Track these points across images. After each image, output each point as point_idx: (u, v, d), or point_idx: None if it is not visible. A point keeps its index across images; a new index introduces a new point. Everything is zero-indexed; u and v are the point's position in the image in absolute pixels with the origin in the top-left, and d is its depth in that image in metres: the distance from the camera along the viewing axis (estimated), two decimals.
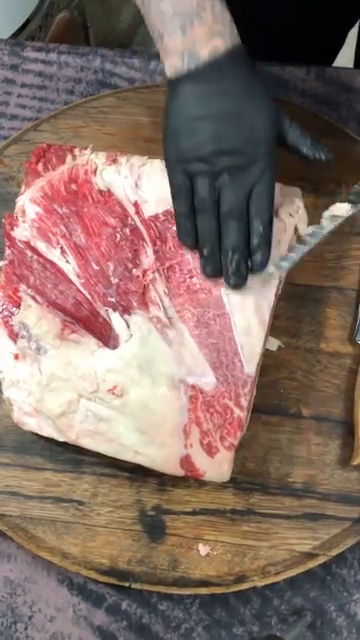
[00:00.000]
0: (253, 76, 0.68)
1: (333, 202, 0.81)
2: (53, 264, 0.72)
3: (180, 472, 0.68)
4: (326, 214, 0.69)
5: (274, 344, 0.76)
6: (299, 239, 0.70)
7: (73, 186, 0.75)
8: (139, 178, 0.74)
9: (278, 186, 0.74)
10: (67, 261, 0.72)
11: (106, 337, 0.70)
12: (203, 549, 0.70)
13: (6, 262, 0.73)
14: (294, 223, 0.73)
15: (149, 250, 0.72)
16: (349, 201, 0.69)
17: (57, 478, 0.73)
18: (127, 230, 0.73)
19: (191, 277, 0.71)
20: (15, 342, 0.71)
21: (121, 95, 0.89)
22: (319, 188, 0.82)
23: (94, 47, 0.96)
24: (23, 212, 0.74)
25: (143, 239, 0.72)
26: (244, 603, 0.70)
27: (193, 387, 0.69)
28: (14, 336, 0.71)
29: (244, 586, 0.69)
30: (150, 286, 0.71)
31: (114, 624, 0.70)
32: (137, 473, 0.72)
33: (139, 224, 0.73)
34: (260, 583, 0.69)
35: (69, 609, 0.71)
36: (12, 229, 0.74)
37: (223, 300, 0.70)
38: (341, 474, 0.72)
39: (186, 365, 0.69)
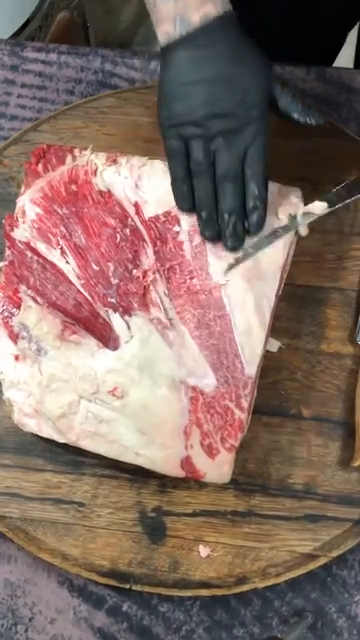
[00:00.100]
0: (244, 41, 0.69)
1: None
2: (53, 265, 0.72)
3: (181, 473, 0.68)
4: (301, 210, 0.69)
5: (275, 345, 0.76)
6: (271, 232, 0.70)
7: (73, 187, 0.74)
8: (139, 179, 0.74)
9: (278, 186, 0.74)
10: (67, 262, 0.72)
11: (106, 338, 0.70)
12: (204, 551, 0.70)
13: (6, 263, 0.73)
14: None
15: (149, 251, 0.72)
16: (326, 201, 0.69)
17: (57, 479, 0.73)
18: (127, 231, 0.72)
19: (191, 278, 0.70)
20: (15, 343, 0.71)
21: (121, 95, 0.89)
22: (319, 188, 0.82)
23: (94, 47, 0.96)
24: (23, 213, 0.74)
25: (143, 240, 0.72)
26: (245, 605, 0.70)
27: (194, 388, 0.68)
28: (14, 337, 0.71)
29: (245, 587, 0.69)
30: (150, 287, 0.70)
31: (115, 626, 0.70)
32: (137, 474, 0.72)
33: (139, 225, 0.73)
34: (261, 584, 0.69)
35: (69, 611, 0.71)
36: (12, 230, 0.74)
37: (223, 301, 0.70)
38: (342, 475, 0.72)
39: (187, 366, 0.69)
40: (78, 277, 0.72)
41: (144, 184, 0.74)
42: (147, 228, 0.72)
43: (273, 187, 0.74)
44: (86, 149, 0.77)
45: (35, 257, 0.73)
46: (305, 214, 0.69)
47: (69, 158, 0.77)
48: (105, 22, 1.77)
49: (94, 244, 0.72)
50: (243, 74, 0.68)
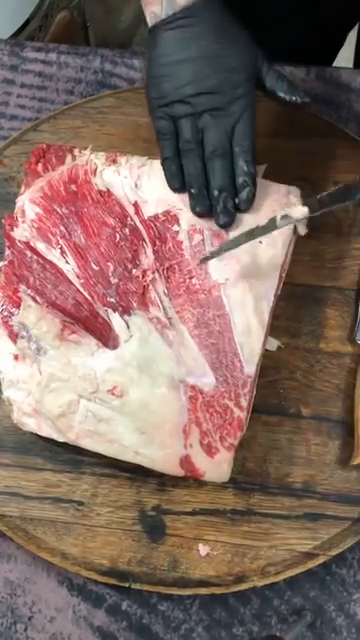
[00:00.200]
0: (230, 20, 0.71)
1: None
2: (53, 264, 0.73)
3: (180, 472, 0.68)
4: (281, 213, 0.69)
5: (274, 344, 0.76)
6: (248, 230, 0.70)
7: (73, 186, 0.75)
8: (139, 178, 0.74)
9: (277, 186, 0.74)
10: (67, 261, 0.72)
11: (106, 337, 0.70)
12: (203, 549, 0.70)
13: (6, 262, 0.73)
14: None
15: (149, 250, 0.72)
16: (308, 206, 0.70)
17: (57, 478, 0.73)
18: (127, 230, 0.73)
19: (191, 277, 0.71)
20: (15, 342, 0.71)
21: (121, 95, 0.89)
22: (319, 188, 0.82)
23: (94, 47, 0.96)
24: (23, 212, 0.75)
25: (143, 239, 0.72)
26: (244, 603, 0.70)
27: (193, 387, 0.68)
28: (14, 336, 0.71)
29: (244, 586, 0.69)
30: (150, 286, 0.71)
31: (114, 624, 0.70)
32: (137, 473, 0.72)
33: (139, 224, 0.73)
34: (260, 583, 0.69)
35: (69, 610, 0.71)
36: (12, 229, 0.74)
37: (223, 300, 0.70)
38: (341, 474, 0.72)
39: (186, 365, 0.69)
40: (77, 277, 0.72)
41: (143, 184, 0.74)
42: (146, 228, 0.73)
43: (273, 187, 0.74)
44: (86, 149, 0.77)
45: (35, 257, 0.73)
46: (284, 217, 0.69)
47: (69, 158, 0.77)
48: (105, 22, 1.77)
49: (93, 244, 0.73)
50: (228, 52, 0.70)
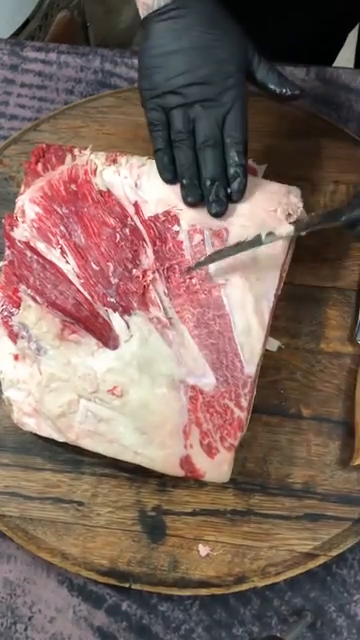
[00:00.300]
0: (220, 12, 0.72)
1: (332, 202, 0.82)
2: (53, 264, 0.72)
3: (180, 473, 0.68)
4: (266, 231, 0.70)
5: (274, 345, 0.76)
6: (235, 244, 0.70)
7: (73, 186, 0.75)
8: (139, 178, 0.74)
9: (277, 186, 0.74)
10: (67, 261, 0.72)
11: (106, 337, 0.70)
12: (203, 550, 0.70)
13: (6, 262, 0.73)
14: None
15: (149, 250, 0.72)
16: (295, 226, 0.70)
17: (57, 479, 0.73)
18: (127, 230, 0.73)
19: (191, 278, 0.70)
20: (15, 342, 0.71)
21: (121, 95, 0.89)
22: (319, 188, 0.82)
23: (94, 47, 0.96)
24: (23, 212, 0.74)
25: (143, 239, 0.72)
26: (244, 604, 0.70)
27: (193, 387, 0.68)
28: (14, 336, 0.71)
29: (244, 587, 0.69)
30: (150, 286, 0.70)
31: (114, 625, 0.70)
32: (137, 474, 0.72)
33: (139, 224, 0.73)
34: (260, 584, 0.69)
35: (69, 610, 0.71)
36: (12, 229, 0.74)
37: (223, 300, 0.70)
38: (341, 475, 0.72)
39: (186, 365, 0.69)
40: (78, 276, 0.72)
41: (144, 184, 0.74)
42: (147, 227, 0.72)
43: (273, 187, 0.74)
44: (86, 149, 0.77)
45: (35, 257, 0.73)
46: (269, 234, 0.70)
47: (69, 158, 0.77)
48: (105, 22, 1.78)
49: (94, 244, 0.72)
50: (219, 43, 0.71)
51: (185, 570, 0.70)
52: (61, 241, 0.73)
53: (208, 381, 0.69)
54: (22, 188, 0.77)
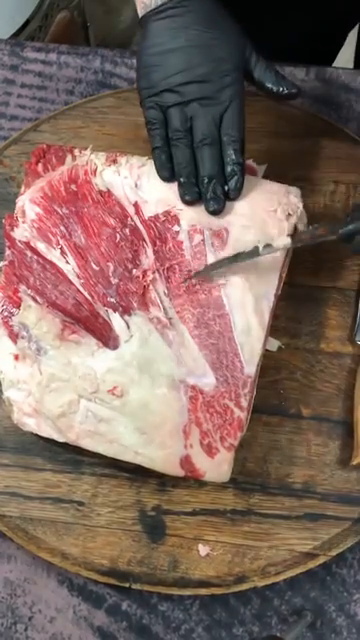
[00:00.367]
0: (218, 10, 0.72)
1: (332, 201, 0.82)
2: (53, 264, 0.72)
3: (180, 472, 0.68)
4: (263, 242, 0.70)
5: (274, 345, 0.76)
6: (233, 255, 0.70)
7: (73, 186, 0.75)
8: (139, 178, 0.74)
9: (277, 186, 0.74)
10: (67, 261, 0.72)
11: (106, 337, 0.70)
12: (203, 549, 0.70)
13: (6, 263, 0.73)
14: (293, 223, 0.73)
15: (149, 250, 0.72)
16: (292, 239, 0.71)
17: (57, 479, 0.73)
18: (127, 230, 0.73)
19: (191, 278, 0.70)
20: (15, 342, 0.71)
21: (121, 95, 0.89)
22: (319, 188, 0.83)
23: (94, 47, 0.96)
24: (23, 213, 0.74)
25: (143, 239, 0.72)
26: (244, 603, 0.70)
27: (193, 387, 0.68)
28: (14, 336, 0.71)
29: (244, 586, 0.69)
30: (150, 286, 0.71)
31: (114, 625, 0.70)
32: (137, 474, 0.72)
33: (139, 224, 0.73)
34: (260, 583, 0.69)
35: (69, 610, 0.71)
36: (12, 229, 0.74)
37: (223, 300, 0.70)
38: (341, 474, 0.72)
39: (186, 366, 0.69)
40: (78, 277, 0.72)
41: (144, 184, 0.74)
42: (147, 228, 0.72)
43: (273, 187, 0.74)
44: (86, 149, 0.77)
45: (35, 257, 0.73)
46: (267, 246, 0.70)
47: (69, 158, 0.77)
48: (105, 22, 1.78)
49: (94, 244, 0.72)
50: (217, 42, 0.71)
51: (185, 570, 0.70)
52: (61, 241, 0.73)
53: (208, 381, 0.69)
54: (22, 188, 0.77)
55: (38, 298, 0.71)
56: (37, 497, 0.73)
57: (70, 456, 0.73)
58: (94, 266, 0.72)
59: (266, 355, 0.74)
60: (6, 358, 0.71)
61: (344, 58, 1.15)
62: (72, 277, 0.72)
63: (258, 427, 0.73)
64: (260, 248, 0.70)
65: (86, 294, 0.71)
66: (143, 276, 0.71)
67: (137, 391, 0.68)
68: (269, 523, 0.71)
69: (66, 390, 0.69)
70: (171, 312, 0.70)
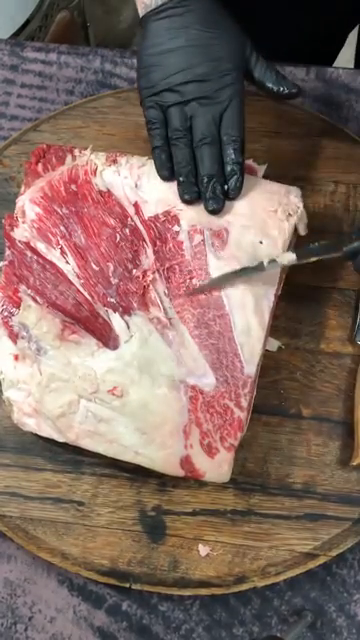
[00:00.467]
0: (218, 10, 0.73)
1: (332, 201, 0.82)
2: (53, 265, 0.72)
3: (180, 473, 0.68)
4: (268, 258, 0.70)
5: (274, 345, 0.76)
6: (238, 269, 0.70)
7: (73, 187, 0.75)
8: (139, 178, 0.74)
9: (277, 186, 0.74)
10: (67, 262, 0.72)
11: (106, 338, 0.70)
12: (203, 550, 0.70)
13: (6, 263, 0.73)
14: (293, 223, 0.73)
15: (149, 251, 0.72)
16: (297, 254, 0.71)
17: (57, 479, 0.73)
18: (127, 231, 0.73)
19: (191, 278, 0.70)
20: (15, 343, 0.71)
21: (121, 95, 0.89)
22: (319, 188, 0.83)
23: (94, 47, 0.96)
24: (23, 213, 0.74)
25: (143, 240, 0.72)
26: (244, 604, 0.70)
27: (193, 388, 0.68)
28: (14, 337, 0.71)
29: (244, 587, 0.69)
30: (150, 287, 0.71)
31: (114, 625, 0.70)
32: (137, 474, 0.72)
33: (139, 224, 0.73)
34: (260, 583, 0.69)
35: (69, 610, 0.71)
36: (12, 230, 0.74)
37: (223, 301, 0.70)
38: (341, 474, 0.72)
39: (186, 366, 0.69)
40: (78, 277, 0.72)
41: (144, 184, 0.74)
42: (147, 228, 0.72)
43: (273, 187, 0.74)
44: (86, 149, 0.77)
45: (35, 257, 0.73)
46: (271, 261, 0.70)
47: (69, 158, 0.77)
48: (105, 22, 1.78)
49: (94, 244, 0.72)
50: (217, 41, 0.71)
51: (185, 570, 0.70)
52: (61, 241, 0.73)
53: (208, 381, 0.69)
54: (22, 188, 0.77)
55: (38, 298, 0.71)
56: (37, 497, 0.73)
57: (70, 456, 0.73)
58: (94, 266, 0.72)
59: (266, 355, 0.74)
60: (6, 358, 0.71)
61: (344, 58, 1.15)
62: (72, 277, 0.72)
63: (258, 427, 0.73)
64: (265, 263, 0.70)
65: (86, 294, 0.71)
66: (143, 276, 0.71)
67: (137, 391, 0.68)
68: (269, 523, 0.71)
69: (66, 390, 0.69)
70: (171, 312, 0.70)
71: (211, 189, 0.71)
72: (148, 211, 0.73)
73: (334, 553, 0.69)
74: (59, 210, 0.74)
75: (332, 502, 0.71)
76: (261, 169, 0.79)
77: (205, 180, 0.71)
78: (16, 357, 0.71)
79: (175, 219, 0.72)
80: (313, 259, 0.71)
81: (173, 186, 0.73)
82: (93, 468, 0.73)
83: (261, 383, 0.73)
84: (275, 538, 0.70)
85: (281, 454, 0.73)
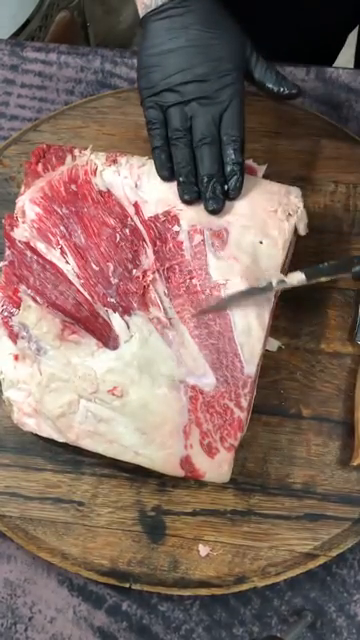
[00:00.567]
0: (219, 11, 0.73)
1: (332, 201, 0.82)
2: (53, 265, 0.72)
3: (180, 473, 0.68)
4: (277, 277, 0.70)
5: (274, 345, 0.76)
6: (247, 289, 0.70)
7: (73, 187, 0.75)
8: (139, 178, 0.74)
9: (278, 186, 0.74)
10: (67, 262, 0.72)
11: (106, 338, 0.70)
12: (203, 550, 0.70)
13: (6, 263, 0.73)
14: (293, 223, 0.73)
15: (149, 251, 0.72)
16: (305, 274, 0.71)
17: (57, 479, 0.73)
18: (127, 231, 0.73)
19: (191, 278, 0.70)
20: (15, 343, 0.71)
21: (121, 95, 0.89)
22: (319, 188, 0.82)
23: (94, 47, 0.96)
24: (23, 213, 0.74)
25: (143, 240, 0.72)
26: (244, 604, 0.70)
27: (193, 388, 0.68)
28: (14, 337, 0.71)
29: (244, 587, 0.69)
30: (150, 287, 0.70)
31: (114, 625, 0.70)
32: (137, 474, 0.72)
33: (139, 224, 0.73)
34: (260, 584, 0.69)
35: (69, 610, 0.71)
36: (12, 230, 0.74)
37: None
38: (341, 474, 0.72)
39: (186, 366, 0.69)
40: (78, 277, 0.72)
41: (144, 184, 0.74)
42: (147, 228, 0.72)
43: (273, 187, 0.74)
44: (86, 149, 0.77)
45: (35, 257, 0.73)
46: (280, 282, 0.70)
47: (69, 158, 0.77)
48: (105, 22, 1.78)
49: (94, 244, 0.72)
50: (217, 41, 0.71)
51: (185, 570, 0.70)
52: (61, 241, 0.73)
53: (208, 381, 0.69)
54: (22, 188, 0.77)
55: (38, 298, 0.71)
56: (37, 497, 0.73)
57: (70, 456, 0.73)
58: (94, 266, 0.72)
59: (266, 355, 0.74)
60: (6, 358, 0.71)
61: (344, 58, 1.15)
62: (72, 277, 0.72)
63: (258, 427, 0.73)
64: (274, 284, 0.70)
65: (86, 294, 0.71)
66: (143, 276, 0.71)
67: (137, 391, 0.68)
68: (269, 523, 0.71)
69: (66, 390, 0.69)
70: (171, 312, 0.70)
71: (211, 189, 0.71)
72: (148, 211, 0.73)
73: (334, 553, 0.69)
74: (59, 210, 0.74)
75: (332, 502, 0.71)
76: (261, 169, 0.79)
77: (205, 180, 0.71)
78: (16, 357, 0.71)
79: (175, 219, 0.72)
80: (323, 279, 0.72)
81: (173, 186, 0.73)
82: (93, 468, 0.73)
83: (261, 383, 0.73)
84: (275, 538, 0.70)
85: (281, 454, 0.73)
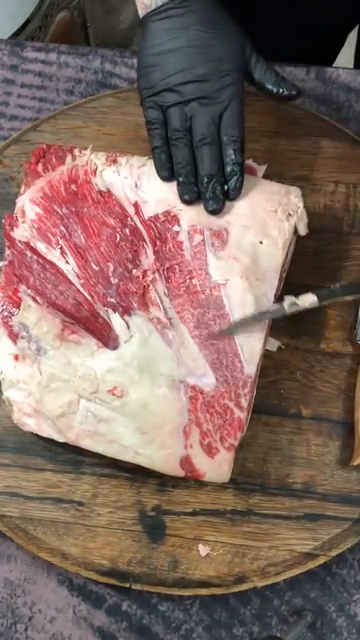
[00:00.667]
0: (219, 11, 0.73)
1: (332, 201, 0.82)
2: (53, 265, 0.72)
3: (180, 473, 0.68)
4: (289, 300, 0.70)
5: (274, 345, 0.76)
6: (258, 313, 0.70)
7: (73, 187, 0.75)
8: (139, 178, 0.74)
9: (278, 186, 0.74)
10: (67, 262, 0.72)
11: (106, 338, 0.70)
12: (203, 550, 0.70)
13: (6, 263, 0.73)
14: (293, 223, 0.73)
15: (149, 251, 0.72)
16: (317, 295, 0.71)
17: (57, 479, 0.73)
18: (127, 230, 0.73)
19: (191, 278, 0.70)
20: (15, 343, 0.71)
21: (121, 95, 0.89)
22: (319, 188, 0.83)
23: (94, 47, 0.96)
24: (23, 213, 0.74)
25: (143, 239, 0.72)
26: (244, 604, 0.70)
27: (193, 388, 0.68)
28: (14, 337, 0.71)
29: (244, 587, 0.69)
30: (150, 287, 0.70)
31: (114, 625, 0.70)
32: (137, 474, 0.72)
33: (139, 224, 0.73)
34: (260, 583, 0.69)
35: (69, 610, 0.71)
36: (12, 229, 0.74)
37: (223, 301, 0.70)
38: (341, 474, 0.72)
39: (186, 366, 0.69)
40: (78, 277, 0.72)
41: (144, 184, 0.74)
42: (147, 228, 0.72)
43: (273, 187, 0.74)
44: (86, 149, 0.77)
45: (35, 257, 0.73)
46: (292, 304, 0.70)
47: (69, 158, 0.77)
48: (105, 22, 1.78)
49: (94, 244, 0.72)
50: (217, 42, 0.71)
51: (185, 570, 0.70)
52: (61, 241, 0.73)
53: (208, 381, 0.69)
54: (22, 188, 0.77)
55: (38, 298, 0.71)
56: (37, 497, 0.73)
57: (70, 456, 0.73)
58: (94, 266, 0.72)
59: (266, 355, 0.74)
60: (6, 358, 0.71)
61: (344, 58, 1.15)
62: (72, 277, 0.72)
63: (258, 427, 0.73)
64: (286, 307, 0.70)
65: (86, 294, 0.71)
66: (143, 276, 0.71)
67: (137, 391, 0.68)
68: (269, 523, 0.71)
69: (66, 390, 0.69)
70: (171, 312, 0.70)
71: (211, 189, 0.71)
72: (148, 211, 0.73)
73: (334, 553, 0.70)
74: (59, 210, 0.74)
75: (332, 502, 0.71)
76: (261, 169, 0.79)
77: (205, 180, 0.71)
78: (16, 357, 0.71)
79: (175, 219, 0.72)
80: (334, 301, 0.72)
81: (173, 186, 0.73)
82: (93, 468, 0.73)
83: (261, 383, 0.73)
84: (275, 538, 0.70)
85: (281, 454, 0.73)
